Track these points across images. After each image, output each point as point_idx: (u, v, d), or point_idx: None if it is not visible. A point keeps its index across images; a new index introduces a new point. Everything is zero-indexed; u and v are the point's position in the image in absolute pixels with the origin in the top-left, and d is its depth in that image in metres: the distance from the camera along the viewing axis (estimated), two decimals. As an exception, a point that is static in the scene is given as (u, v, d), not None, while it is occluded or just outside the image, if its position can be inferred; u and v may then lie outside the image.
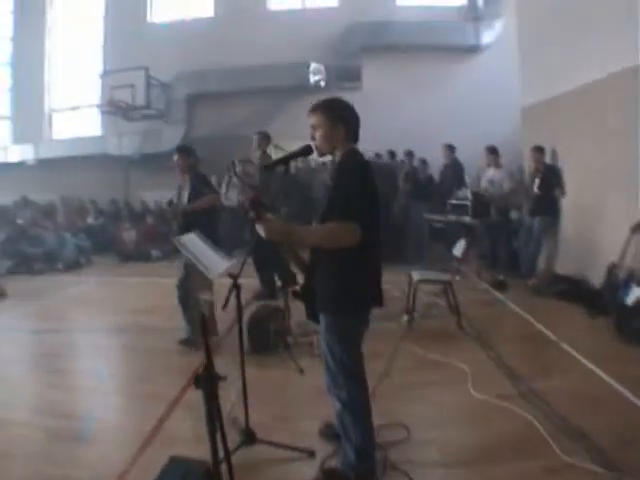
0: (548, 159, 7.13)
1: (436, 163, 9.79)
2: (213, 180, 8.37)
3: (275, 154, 6.62)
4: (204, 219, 4.48)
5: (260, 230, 2.30)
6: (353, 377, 2.48)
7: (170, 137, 11.57)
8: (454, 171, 9.21)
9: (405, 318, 5.24)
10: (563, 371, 4.01)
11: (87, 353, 5.10)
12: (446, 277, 5.30)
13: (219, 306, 2.53)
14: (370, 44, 11.85)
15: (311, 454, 2.77)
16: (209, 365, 1.95)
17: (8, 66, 14.02)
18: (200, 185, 4.73)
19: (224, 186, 7.64)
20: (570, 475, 2.57)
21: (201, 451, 2.13)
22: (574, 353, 4.27)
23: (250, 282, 6.03)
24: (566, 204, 6.93)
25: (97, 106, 12.77)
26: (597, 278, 5.72)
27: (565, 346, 4.45)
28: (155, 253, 10.18)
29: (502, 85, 10.12)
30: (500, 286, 6.73)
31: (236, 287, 2.59)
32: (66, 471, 2.74)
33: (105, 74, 12.40)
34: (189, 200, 4.71)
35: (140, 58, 11.73)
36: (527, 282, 6.81)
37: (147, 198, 12.56)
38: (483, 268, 7.49)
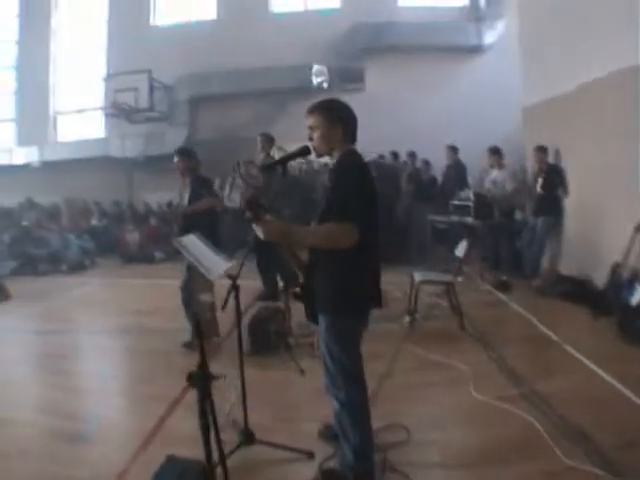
0: (551, 159, 7.10)
1: (439, 164, 9.79)
2: (216, 182, 8.39)
3: (278, 156, 6.63)
4: (205, 221, 4.49)
5: (258, 231, 2.30)
6: (352, 378, 2.47)
7: (173, 139, 11.58)
8: (457, 172, 9.21)
9: (407, 319, 5.23)
10: (565, 372, 3.99)
11: (90, 354, 5.14)
12: (448, 278, 5.29)
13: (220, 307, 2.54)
14: (372, 45, 11.85)
15: (310, 455, 2.76)
16: (203, 363, 1.95)
17: (13, 69, 14.10)
18: (200, 187, 4.74)
19: (227, 188, 7.66)
20: (571, 478, 2.55)
21: (201, 451, 2.14)
22: (577, 354, 4.25)
23: (253, 284, 6.05)
24: (569, 203, 6.90)
25: (101, 109, 12.85)
26: (601, 278, 5.68)
27: (568, 347, 4.42)
28: (158, 255, 10.19)
29: (505, 85, 10.07)
30: (503, 287, 6.71)
31: (235, 288, 2.59)
32: (69, 470, 2.77)
33: (109, 77, 12.45)
34: (189, 202, 4.74)
35: (143, 61, 11.76)
36: (531, 283, 6.78)
37: (150, 200, 12.59)
38: (486, 269, 7.47)
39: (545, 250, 7.18)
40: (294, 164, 9.77)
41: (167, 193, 5.82)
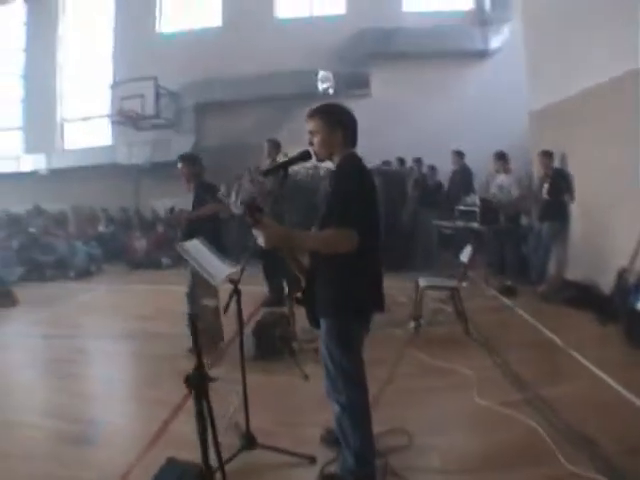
0: (557, 163, 7.06)
1: (445, 169, 9.78)
2: (222, 188, 8.44)
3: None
4: (208, 226, 4.50)
5: (258, 235, 2.31)
6: (352, 381, 2.48)
7: (180, 146, 11.61)
8: (463, 177, 9.20)
9: (412, 324, 5.21)
10: (570, 378, 3.96)
11: (96, 359, 5.17)
12: (452, 283, 5.27)
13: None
14: (378, 51, 11.83)
15: (312, 460, 2.76)
16: (199, 365, 1.96)
17: (21, 77, 14.24)
18: (204, 193, 4.76)
19: (233, 194, 7.71)
20: (574, 484, 2.54)
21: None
22: (582, 360, 4.22)
23: (257, 289, 6.06)
24: (575, 208, 6.86)
25: (107, 116, 12.93)
26: (608, 283, 5.63)
27: (573, 353, 4.39)
28: (165, 261, 10.25)
29: (511, 90, 10.01)
30: (508, 292, 6.68)
31: (237, 292, 2.61)
32: (75, 473, 2.80)
33: (115, 84, 12.53)
34: (193, 207, 4.76)
35: (149, 68, 11.84)
36: (537, 288, 6.74)
37: (157, 207, 12.62)
38: (491, 274, 7.44)
39: (551, 255, 7.14)
40: (302, 170, 9.81)
41: (174, 199, 5.85)
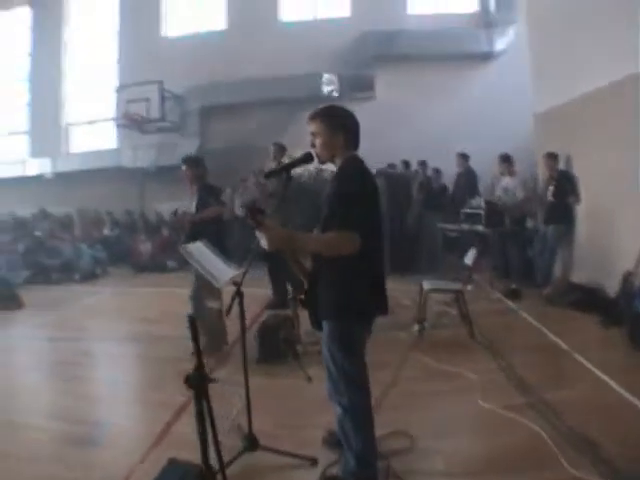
0: (563, 165, 7.04)
1: (450, 172, 9.75)
2: (227, 191, 8.47)
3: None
4: (212, 228, 4.51)
5: (261, 238, 2.31)
6: (354, 383, 2.47)
7: (185, 149, 11.59)
8: (468, 179, 9.17)
9: (416, 328, 5.20)
10: (574, 381, 3.95)
11: (101, 361, 5.20)
12: (457, 286, 5.26)
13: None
14: (382, 53, 11.84)
15: (313, 462, 2.76)
16: (199, 365, 1.97)
17: (26, 81, 14.35)
18: (207, 195, 4.77)
19: (238, 197, 7.75)
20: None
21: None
22: (586, 363, 4.20)
23: (261, 292, 6.07)
24: (580, 211, 6.84)
25: (113, 120, 12.99)
26: (613, 287, 5.62)
27: (577, 356, 4.37)
28: (171, 264, 10.27)
29: (516, 92, 9.94)
30: (513, 295, 6.66)
31: (239, 294, 2.61)
32: (79, 474, 2.81)
33: (120, 88, 12.57)
34: (197, 210, 4.77)
35: (154, 71, 11.88)
36: (542, 291, 6.71)
37: (162, 210, 12.60)
38: (496, 277, 7.42)
39: (556, 258, 7.11)
40: (306, 172, 9.82)
41: (179, 203, 5.87)
